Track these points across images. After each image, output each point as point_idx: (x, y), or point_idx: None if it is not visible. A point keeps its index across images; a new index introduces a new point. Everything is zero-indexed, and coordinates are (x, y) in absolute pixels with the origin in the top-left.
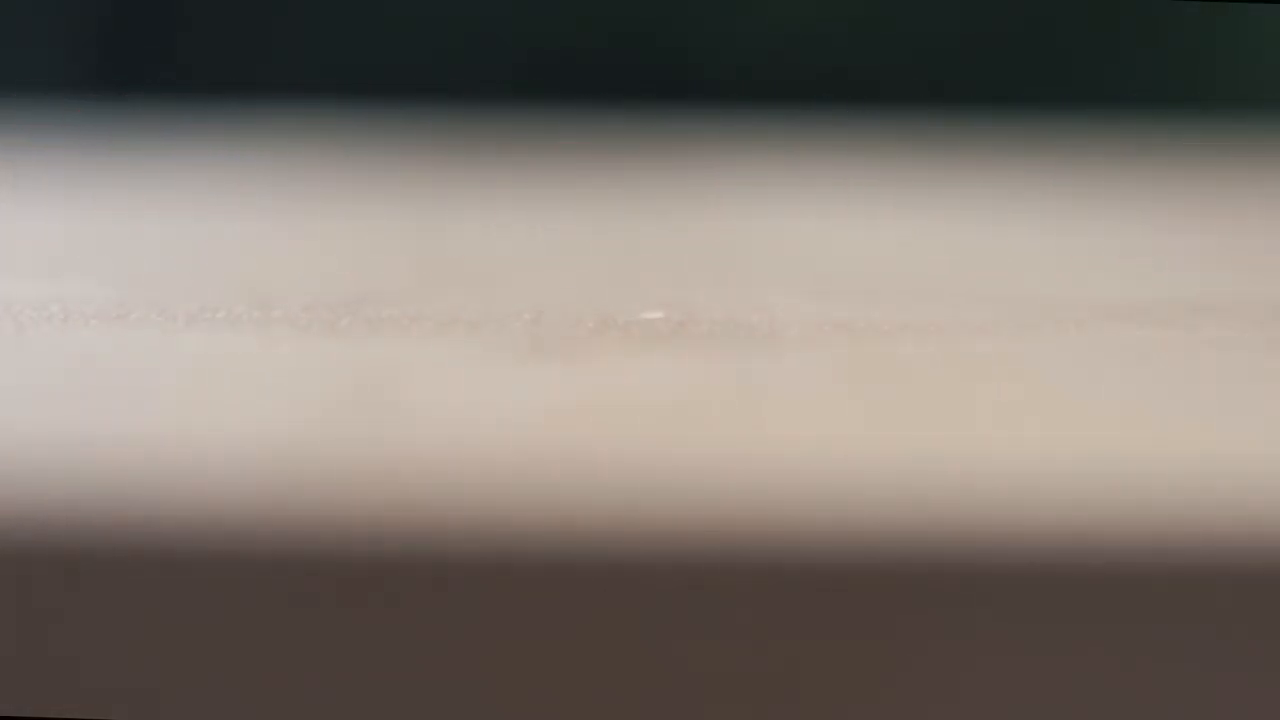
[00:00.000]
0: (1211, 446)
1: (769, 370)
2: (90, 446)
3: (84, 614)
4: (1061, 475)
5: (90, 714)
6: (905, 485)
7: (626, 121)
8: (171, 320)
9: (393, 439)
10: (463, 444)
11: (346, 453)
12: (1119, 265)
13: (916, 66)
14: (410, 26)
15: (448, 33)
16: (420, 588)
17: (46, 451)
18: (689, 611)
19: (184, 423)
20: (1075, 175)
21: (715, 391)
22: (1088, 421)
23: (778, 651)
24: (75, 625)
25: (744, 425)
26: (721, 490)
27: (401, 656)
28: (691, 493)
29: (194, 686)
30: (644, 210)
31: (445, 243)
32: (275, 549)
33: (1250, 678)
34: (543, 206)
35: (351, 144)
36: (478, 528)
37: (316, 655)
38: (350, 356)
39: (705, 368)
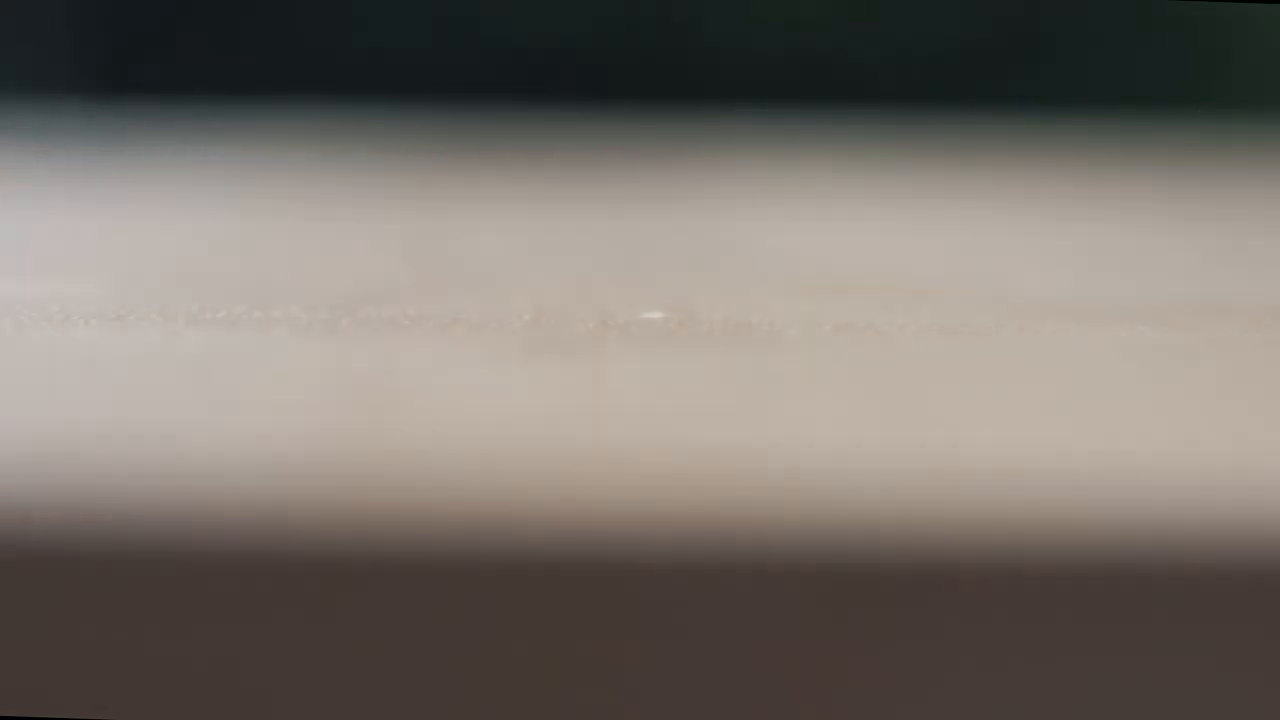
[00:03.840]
0: (1212, 446)
1: (769, 370)
2: (90, 446)
3: (84, 614)
4: (1062, 475)
5: (90, 714)
6: (906, 485)
7: (627, 121)
8: (171, 320)
9: (393, 439)
10: (463, 444)
11: (347, 452)
12: (1119, 265)
13: (915, 67)
14: (410, 27)
15: (448, 33)
16: (420, 587)
17: (46, 451)
18: (689, 610)
19: (184, 423)
20: (1075, 175)
21: (715, 392)
22: (1088, 421)
23: (778, 651)
24: (75, 625)
25: (744, 425)
26: (722, 490)
27: (401, 656)
28: (691, 492)
29: (194, 686)
30: (644, 210)
31: (445, 243)
32: (275, 549)
33: (1251, 678)
34: (543, 206)
35: (350, 144)
36: (478, 528)
37: (317, 655)
38: (350, 356)
39: (705, 367)
